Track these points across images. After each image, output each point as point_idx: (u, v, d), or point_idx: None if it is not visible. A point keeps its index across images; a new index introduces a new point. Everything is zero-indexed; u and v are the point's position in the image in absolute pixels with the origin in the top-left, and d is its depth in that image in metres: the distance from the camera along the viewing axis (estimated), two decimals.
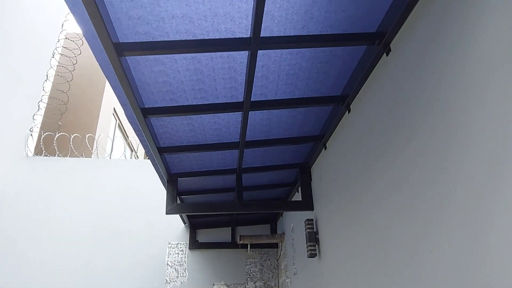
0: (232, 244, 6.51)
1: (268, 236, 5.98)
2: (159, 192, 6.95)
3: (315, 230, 3.87)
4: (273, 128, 3.38)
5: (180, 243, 6.47)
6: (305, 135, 3.58)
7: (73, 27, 9.22)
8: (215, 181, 4.61)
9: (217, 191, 4.90)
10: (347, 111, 2.91)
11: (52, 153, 7.32)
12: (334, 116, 3.08)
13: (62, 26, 8.51)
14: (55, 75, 8.21)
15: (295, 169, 4.47)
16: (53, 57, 8.07)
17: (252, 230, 6.76)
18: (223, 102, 2.80)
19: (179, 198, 4.86)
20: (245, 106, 2.73)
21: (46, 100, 7.80)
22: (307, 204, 4.10)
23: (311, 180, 4.20)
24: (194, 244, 6.39)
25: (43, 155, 7.14)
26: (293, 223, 5.29)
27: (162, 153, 3.49)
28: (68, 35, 8.85)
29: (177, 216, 6.35)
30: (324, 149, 3.64)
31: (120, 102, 2.73)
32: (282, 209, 4.66)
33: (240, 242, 5.91)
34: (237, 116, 3.05)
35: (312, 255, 3.79)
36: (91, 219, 6.50)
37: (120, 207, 6.71)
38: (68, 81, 8.12)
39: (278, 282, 6.38)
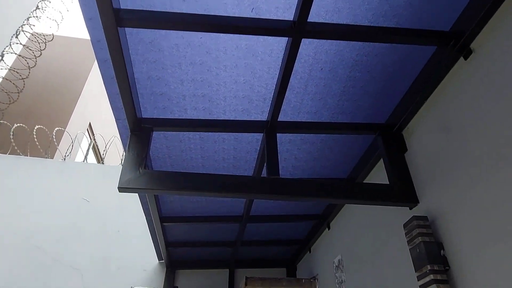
0: None
1: (289, 281, 3.72)
2: (126, 212, 4.82)
3: (435, 240, 1.81)
4: None
5: None
6: None
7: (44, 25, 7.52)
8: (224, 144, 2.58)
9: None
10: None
11: None
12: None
13: (37, 7, 6.93)
14: (16, 57, 6.42)
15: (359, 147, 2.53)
16: (16, 36, 6.34)
17: (259, 274, 4.49)
18: None
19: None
20: None
21: None
22: (402, 191, 2.08)
23: (407, 150, 2.23)
24: None
25: None
26: (341, 253, 3.16)
27: None
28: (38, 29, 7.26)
29: (149, 249, 4.17)
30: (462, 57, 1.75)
31: None
32: (349, 199, 2.24)
33: None
34: None
35: None
36: (20, 242, 4.24)
37: (65, 230, 4.53)
38: (29, 67, 6.30)
39: None
